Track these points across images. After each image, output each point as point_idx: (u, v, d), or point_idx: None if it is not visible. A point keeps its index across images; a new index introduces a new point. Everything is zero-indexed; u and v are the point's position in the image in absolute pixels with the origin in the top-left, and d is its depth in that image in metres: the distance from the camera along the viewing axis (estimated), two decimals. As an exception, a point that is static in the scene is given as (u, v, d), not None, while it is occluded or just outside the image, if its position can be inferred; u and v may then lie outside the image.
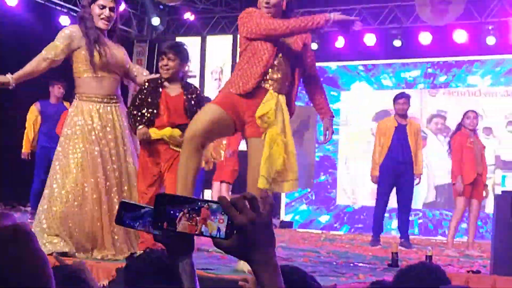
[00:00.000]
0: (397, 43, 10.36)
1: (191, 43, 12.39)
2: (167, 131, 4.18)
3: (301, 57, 4.02)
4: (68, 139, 3.85)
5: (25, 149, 7.77)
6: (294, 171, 3.70)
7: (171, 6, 11.73)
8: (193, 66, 12.29)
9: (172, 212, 1.08)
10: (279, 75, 3.86)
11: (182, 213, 1.07)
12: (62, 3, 11.02)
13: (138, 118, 4.14)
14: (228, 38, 11.85)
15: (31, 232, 0.72)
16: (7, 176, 9.16)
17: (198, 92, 4.43)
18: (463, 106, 9.79)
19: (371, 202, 10.37)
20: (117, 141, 3.93)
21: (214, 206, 1.06)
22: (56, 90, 7.71)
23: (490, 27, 9.82)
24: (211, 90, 11.74)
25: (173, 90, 4.30)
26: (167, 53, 4.25)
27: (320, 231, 10.05)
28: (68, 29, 3.94)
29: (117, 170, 3.90)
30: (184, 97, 4.26)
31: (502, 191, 4.56)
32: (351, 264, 4.70)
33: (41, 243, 3.66)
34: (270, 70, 3.85)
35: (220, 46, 11.97)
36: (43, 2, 10.64)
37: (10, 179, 9.28)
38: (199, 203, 1.07)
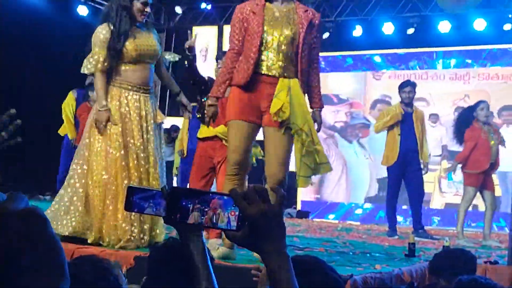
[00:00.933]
0: (410, 31, 10.22)
1: (208, 33, 12.42)
2: (220, 129, 4.44)
3: (306, 38, 3.73)
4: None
5: (73, 134, 7.78)
6: (324, 154, 3.73)
7: (188, -4, 11.73)
8: (210, 55, 12.35)
9: (184, 204, 1.10)
10: (279, 58, 3.67)
11: (193, 205, 1.09)
12: (80, -7, 11.06)
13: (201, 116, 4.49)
14: (245, 27, 11.84)
15: (44, 216, 0.73)
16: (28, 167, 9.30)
17: None
18: None
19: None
20: (142, 129, 3.96)
21: (226, 198, 1.08)
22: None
23: (510, 15, 9.69)
24: (228, 80, 11.77)
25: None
26: (221, 57, 4.86)
27: (336, 221, 10.04)
28: (100, 33, 4.05)
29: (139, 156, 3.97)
30: None
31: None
32: (368, 254, 4.70)
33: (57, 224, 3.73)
34: (268, 53, 3.68)
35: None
36: (61, -8, 10.69)
37: (31, 170, 9.42)
38: (210, 196, 1.09)
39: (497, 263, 4.33)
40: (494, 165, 6.57)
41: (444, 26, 10.10)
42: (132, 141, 3.89)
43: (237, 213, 1.06)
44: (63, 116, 7.91)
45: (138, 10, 4.01)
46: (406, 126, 6.84)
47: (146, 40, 4.01)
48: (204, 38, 12.26)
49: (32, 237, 0.69)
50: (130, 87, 3.96)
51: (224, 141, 4.42)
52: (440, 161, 9.97)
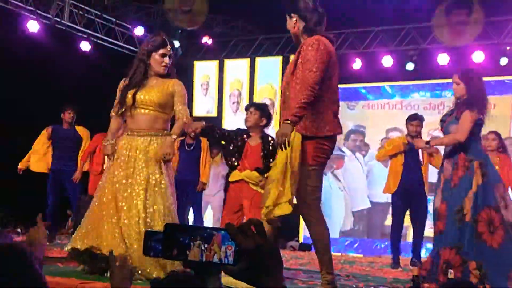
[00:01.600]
0: (410, 66, 10.35)
1: (208, 67, 12.55)
2: (246, 173, 5.35)
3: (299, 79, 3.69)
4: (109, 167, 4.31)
5: (23, 164, 7.86)
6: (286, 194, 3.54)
7: (189, 30, 11.88)
8: (211, 90, 12.46)
9: (182, 240, 1.10)
10: (285, 111, 3.73)
11: (192, 241, 1.09)
12: (83, 29, 11.21)
13: (229, 163, 5.48)
14: (246, 61, 11.96)
15: (27, 251, 0.74)
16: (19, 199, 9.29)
17: (272, 142, 5.29)
18: (378, 121, 9.99)
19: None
20: (148, 169, 4.15)
21: (222, 233, 1.08)
22: (67, 116, 7.92)
23: (507, 48, 9.81)
24: (229, 114, 11.83)
25: (253, 140, 5.47)
26: (248, 108, 5.49)
27: (339, 253, 9.98)
28: (120, 84, 4.46)
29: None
30: (262, 147, 5.38)
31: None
32: (372, 287, 4.67)
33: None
34: (282, 110, 3.87)
35: (237, 69, 12.07)
36: (64, 28, 10.83)
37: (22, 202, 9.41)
38: (208, 231, 1.09)
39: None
40: None
41: (443, 59, 10.21)
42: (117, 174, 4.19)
43: (233, 247, 1.06)
44: (33, 146, 7.93)
45: (157, 62, 4.26)
46: (411, 157, 6.84)
47: (147, 91, 4.22)
48: (205, 72, 12.38)
49: (13, 272, 0.69)
50: (130, 132, 4.30)
51: (250, 184, 5.33)
52: None
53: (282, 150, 3.51)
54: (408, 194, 6.85)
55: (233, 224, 1.07)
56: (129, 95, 4.20)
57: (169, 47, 4.27)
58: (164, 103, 4.21)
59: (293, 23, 3.85)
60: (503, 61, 9.87)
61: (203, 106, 12.27)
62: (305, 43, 3.74)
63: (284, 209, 3.78)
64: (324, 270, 3.53)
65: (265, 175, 4.91)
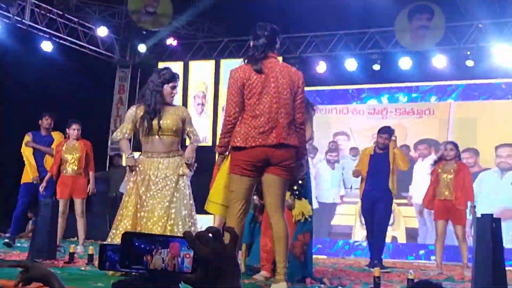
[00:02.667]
0: (376, 67, 10.53)
1: (173, 69, 12.45)
2: None
3: None
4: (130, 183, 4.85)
5: (34, 173, 7.69)
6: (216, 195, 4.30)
7: (154, 32, 11.80)
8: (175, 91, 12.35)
9: (139, 250, 1.09)
10: None
11: (152, 249, 1.08)
12: (44, 28, 11.03)
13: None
14: (211, 63, 11.93)
15: None
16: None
17: None
18: (332, 127, 10.32)
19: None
20: (162, 187, 4.73)
21: (179, 241, 1.08)
22: (44, 122, 7.82)
23: (468, 52, 10.02)
24: (194, 116, 11.76)
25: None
26: None
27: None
28: (130, 110, 4.93)
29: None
30: None
31: (482, 214, 4.60)
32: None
33: None
34: None
35: (202, 71, 12.04)
36: (25, 27, 10.64)
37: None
38: (165, 239, 1.09)
39: (461, 295, 4.38)
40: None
41: (405, 63, 10.37)
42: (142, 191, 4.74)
43: (191, 255, 1.06)
44: (24, 160, 7.78)
45: (168, 93, 4.80)
46: (376, 166, 7.24)
47: (164, 119, 4.76)
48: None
49: None
50: (150, 155, 4.81)
51: None
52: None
53: None
54: (373, 200, 7.25)
55: (190, 232, 1.07)
56: (151, 123, 4.72)
57: (177, 80, 4.85)
58: (178, 128, 4.80)
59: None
60: (469, 63, 10.04)
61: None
62: None
63: (214, 208, 4.35)
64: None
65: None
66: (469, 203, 6.97)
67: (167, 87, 4.79)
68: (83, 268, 5.11)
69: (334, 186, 10.40)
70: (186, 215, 4.73)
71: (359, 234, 10.10)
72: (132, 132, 4.84)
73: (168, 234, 4.42)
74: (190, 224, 4.70)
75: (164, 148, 4.75)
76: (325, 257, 9.85)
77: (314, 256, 9.70)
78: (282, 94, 4.03)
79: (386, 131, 7.35)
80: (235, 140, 4.02)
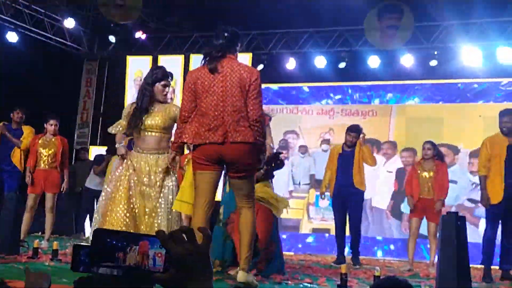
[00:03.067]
0: (342, 65, 10.63)
1: (142, 62, 12.34)
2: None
3: None
4: (117, 178, 4.92)
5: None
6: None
7: (122, 25, 11.66)
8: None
9: (112, 247, 1.07)
10: None
11: (122, 247, 1.06)
12: (9, 19, 10.80)
13: None
14: (180, 58, 11.85)
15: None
16: None
17: None
18: (282, 126, 10.69)
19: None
20: (150, 183, 4.84)
21: (150, 239, 1.07)
22: (16, 116, 7.79)
23: (435, 52, 10.16)
24: (162, 110, 11.70)
25: None
26: None
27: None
28: (126, 109, 5.07)
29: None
30: None
31: (447, 212, 4.67)
32: (301, 285, 4.71)
33: None
34: None
35: (171, 65, 11.93)
36: (-11, 17, 10.41)
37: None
38: (137, 238, 1.07)
39: (425, 292, 4.44)
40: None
41: (374, 61, 10.46)
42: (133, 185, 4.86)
43: (163, 254, 1.05)
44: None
45: (160, 91, 4.91)
46: (344, 163, 7.47)
47: (153, 116, 4.87)
48: (138, 67, 12.18)
49: None
50: (140, 150, 4.93)
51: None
52: (309, 189, 10.67)
53: None
54: (344, 197, 7.48)
55: (163, 231, 1.06)
56: (139, 121, 4.86)
57: (169, 79, 4.95)
58: (168, 126, 4.90)
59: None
60: (433, 63, 10.20)
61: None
62: None
63: (186, 208, 4.65)
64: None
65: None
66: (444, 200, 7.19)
67: (158, 86, 4.91)
68: (47, 264, 5.03)
69: (283, 181, 10.52)
70: (172, 212, 4.85)
71: (306, 227, 10.59)
72: (125, 127, 4.99)
73: (154, 230, 4.52)
74: (175, 220, 4.83)
75: (154, 145, 4.89)
76: (292, 253, 9.89)
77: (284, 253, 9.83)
78: (229, 92, 4.12)
79: (354, 130, 7.55)
80: (183, 136, 4.20)
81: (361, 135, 7.50)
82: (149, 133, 4.86)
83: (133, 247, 1.07)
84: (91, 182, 10.00)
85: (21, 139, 7.66)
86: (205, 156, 4.12)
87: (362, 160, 7.43)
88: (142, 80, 5.07)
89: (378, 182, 9.99)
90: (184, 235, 1.05)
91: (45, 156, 7.13)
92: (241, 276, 4.12)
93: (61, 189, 7.18)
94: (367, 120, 10.39)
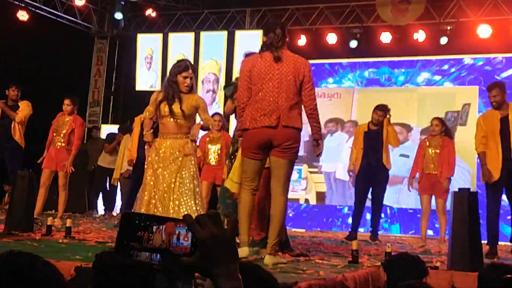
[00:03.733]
0: (354, 43, 10.53)
1: (152, 40, 12.31)
2: None
3: None
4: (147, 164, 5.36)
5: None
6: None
7: (132, 2, 11.62)
8: (154, 64, 12.26)
9: (135, 227, 1.08)
10: None
11: (145, 227, 1.07)
12: (20, -3, 10.79)
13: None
14: (190, 35, 11.80)
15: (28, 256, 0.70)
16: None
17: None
18: None
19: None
20: (172, 167, 5.22)
21: (180, 224, 1.08)
22: (11, 93, 7.75)
23: (448, 28, 10.03)
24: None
25: None
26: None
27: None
28: (153, 95, 5.45)
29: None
30: None
31: (459, 188, 4.65)
32: (312, 261, 4.73)
33: None
34: None
35: (182, 43, 11.90)
36: (0, -4, 10.40)
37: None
38: (164, 220, 1.09)
39: (437, 268, 4.44)
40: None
41: (386, 37, 10.36)
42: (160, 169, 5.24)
43: (190, 237, 1.07)
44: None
45: (182, 83, 5.29)
46: (370, 142, 7.52)
47: (176, 105, 5.27)
48: (148, 45, 12.16)
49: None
50: (163, 136, 5.34)
51: None
52: None
53: None
54: (368, 175, 7.55)
55: (190, 215, 1.08)
56: (166, 108, 5.27)
57: (190, 71, 5.30)
58: (189, 114, 5.29)
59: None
60: (443, 40, 10.10)
61: (147, 80, 12.07)
62: None
63: (231, 186, 4.93)
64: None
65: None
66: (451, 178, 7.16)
67: (180, 77, 5.30)
68: (60, 241, 5.08)
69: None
70: (189, 194, 5.15)
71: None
72: (153, 113, 5.40)
73: (172, 212, 5.02)
74: (192, 203, 5.11)
75: (175, 130, 5.29)
76: (303, 230, 9.95)
77: (293, 229, 9.87)
78: (285, 80, 4.39)
79: (382, 109, 7.58)
80: (244, 124, 4.46)
81: (387, 115, 7.50)
82: (173, 119, 5.27)
83: (159, 227, 1.08)
84: (103, 160, 10.06)
85: (17, 111, 7.67)
86: (256, 140, 4.38)
87: (387, 140, 7.45)
88: (169, 72, 5.46)
89: (340, 157, 10.45)
90: (210, 220, 1.07)
91: (59, 135, 7.23)
92: (268, 259, 4.25)
93: (66, 170, 7.22)
94: (333, 101, 10.76)
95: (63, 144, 7.21)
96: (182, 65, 5.36)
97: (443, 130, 7.21)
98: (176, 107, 5.24)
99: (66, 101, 7.27)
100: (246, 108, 4.45)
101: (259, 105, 4.37)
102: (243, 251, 4.31)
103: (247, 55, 5.06)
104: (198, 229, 1.06)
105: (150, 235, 1.08)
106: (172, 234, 1.08)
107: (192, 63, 12.10)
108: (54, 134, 7.24)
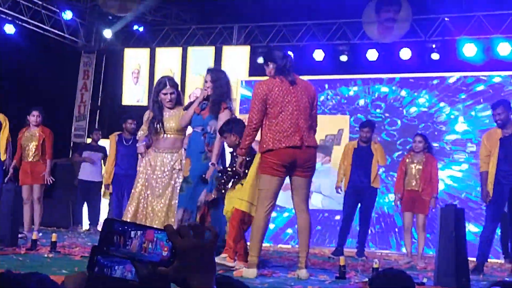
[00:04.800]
0: (343, 58, 10.59)
1: (139, 55, 12.31)
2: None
3: None
4: (138, 175, 5.66)
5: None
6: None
7: (120, 17, 11.62)
8: (142, 78, 12.24)
9: (118, 236, 1.08)
10: None
11: (123, 231, 1.07)
12: (7, 11, 10.76)
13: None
14: (178, 50, 11.82)
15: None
16: None
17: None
18: None
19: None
20: (163, 180, 5.50)
21: (159, 232, 1.08)
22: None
23: (433, 46, 10.13)
24: (160, 102, 11.67)
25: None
26: (222, 134, 5.36)
27: (268, 244, 10.04)
28: (144, 116, 5.71)
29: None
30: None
31: (446, 204, 4.68)
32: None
33: None
34: None
35: (169, 58, 11.91)
36: (-14, 9, 10.36)
37: None
38: (145, 228, 1.08)
39: (423, 284, 4.45)
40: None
41: (372, 54, 10.45)
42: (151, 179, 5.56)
43: (169, 248, 1.07)
44: None
45: (163, 99, 5.53)
46: (360, 159, 7.60)
47: (167, 121, 5.52)
48: (136, 60, 12.15)
49: None
50: (156, 150, 5.58)
51: None
52: None
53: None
54: (358, 191, 7.61)
55: (171, 225, 1.09)
56: (157, 125, 5.52)
57: (168, 87, 5.50)
58: (180, 128, 5.51)
59: (270, 69, 4.79)
60: (435, 56, 10.15)
61: (133, 95, 12.05)
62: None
63: (244, 206, 4.93)
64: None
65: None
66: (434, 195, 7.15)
67: (161, 95, 5.53)
68: (46, 255, 5.03)
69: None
70: (175, 207, 5.36)
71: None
72: (146, 131, 5.66)
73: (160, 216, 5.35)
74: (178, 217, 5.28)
75: (169, 145, 5.52)
76: (289, 246, 9.92)
77: (279, 245, 9.85)
78: (301, 102, 4.64)
79: (367, 125, 7.71)
80: (264, 146, 4.60)
81: (373, 135, 7.64)
82: (166, 135, 5.50)
83: (137, 233, 1.07)
84: (82, 174, 9.95)
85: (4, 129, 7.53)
86: (280, 160, 4.54)
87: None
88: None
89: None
90: (191, 231, 1.08)
91: (29, 148, 7.17)
92: (304, 274, 4.55)
93: (45, 181, 7.16)
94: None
95: (36, 157, 7.16)
96: (162, 83, 5.60)
97: (425, 147, 7.22)
98: (167, 123, 5.49)
99: (35, 113, 7.24)
100: (260, 129, 4.65)
101: (280, 127, 4.56)
102: (252, 273, 4.42)
103: (213, 70, 5.55)
104: (177, 238, 1.06)
105: (128, 240, 1.07)
106: (151, 242, 1.07)
107: (179, 77, 12.13)
108: (24, 148, 7.18)
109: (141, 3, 11.01)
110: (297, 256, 7.28)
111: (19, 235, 5.82)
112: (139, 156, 5.65)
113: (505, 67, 9.58)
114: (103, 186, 9.04)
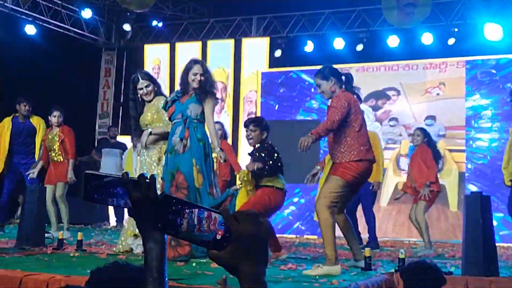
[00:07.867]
0: (359, 47, 10.47)
1: (159, 50, 12.34)
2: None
3: None
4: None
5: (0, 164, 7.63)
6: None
7: (138, 13, 11.65)
8: (162, 73, 12.26)
9: (175, 214, 1.07)
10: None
11: (187, 216, 1.06)
12: (27, 11, 10.86)
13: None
14: (197, 44, 11.81)
15: None
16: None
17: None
18: None
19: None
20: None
21: (216, 215, 1.07)
22: (22, 108, 7.61)
23: (455, 29, 9.97)
24: (181, 97, 11.70)
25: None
26: (248, 126, 5.56)
27: (294, 236, 10.04)
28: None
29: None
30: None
31: (471, 192, 4.60)
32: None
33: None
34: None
35: (189, 52, 11.90)
36: (7, 11, 10.47)
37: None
38: (204, 210, 1.07)
39: (451, 273, 4.38)
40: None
41: (393, 41, 10.33)
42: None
43: (224, 232, 1.06)
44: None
45: (141, 95, 5.52)
46: None
47: (144, 115, 5.52)
48: (156, 55, 12.19)
49: None
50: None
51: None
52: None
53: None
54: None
55: (228, 209, 1.08)
56: (136, 121, 5.59)
57: (140, 81, 5.44)
58: (155, 118, 5.44)
59: (331, 84, 4.78)
60: (451, 41, 10.04)
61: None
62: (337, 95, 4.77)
63: None
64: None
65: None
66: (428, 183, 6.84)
67: (138, 90, 5.56)
68: (72, 255, 5.07)
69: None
70: None
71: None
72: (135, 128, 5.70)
73: None
74: None
75: (150, 140, 5.49)
76: (316, 237, 9.90)
77: (305, 236, 9.84)
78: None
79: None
80: (355, 153, 4.63)
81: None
82: (145, 127, 5.49)
83: (193, 211, 1.07)
84: (103, 170, 10.04)
85: (42, 136, 7.58)
86: (361, 171, 4.65)
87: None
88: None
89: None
90: (249, 218, 1.07)
91: (53, 149, 7.25)
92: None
93: (67, 180, 7.22)
94: None
95: (61, 157, 7.23)
96: (135, 78, 5.55)
97: (424, 140, 7.06)
98: (144, 117, 5.52)
99: (56, 113, 7.27)
100: (347, 138, 4.66)
101: (362, 140, 4.68)
102: (337, 269, 4.39)
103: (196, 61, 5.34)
104: (236, 223, 1.05)
105: (181, 219, 1.06)
106: (205, 221, 1.06)
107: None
108: (49, 150, 7.26)
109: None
110: (322, 247, 7.27)
111: (46, 235, 5.87)
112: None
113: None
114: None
